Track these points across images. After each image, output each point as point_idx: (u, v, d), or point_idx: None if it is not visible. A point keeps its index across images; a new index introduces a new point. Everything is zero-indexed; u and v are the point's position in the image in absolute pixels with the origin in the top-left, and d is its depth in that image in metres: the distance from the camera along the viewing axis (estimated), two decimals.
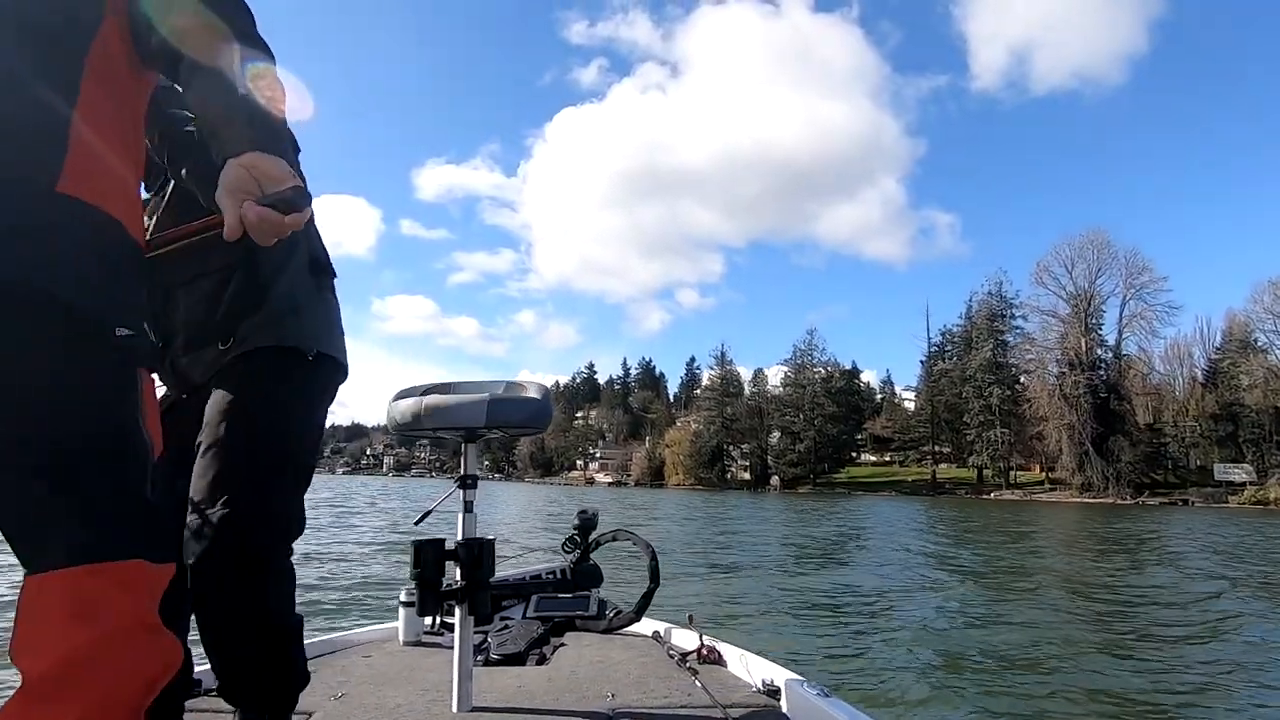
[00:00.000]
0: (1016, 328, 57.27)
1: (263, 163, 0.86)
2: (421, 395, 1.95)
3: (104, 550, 0.81)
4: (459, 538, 1.83)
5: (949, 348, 64.43)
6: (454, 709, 1.72)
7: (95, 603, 0.79)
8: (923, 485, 57.90)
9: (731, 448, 71.84)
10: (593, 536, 2.12)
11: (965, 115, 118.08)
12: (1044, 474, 53.10)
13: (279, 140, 0.92)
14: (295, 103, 0.97)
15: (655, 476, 75.14)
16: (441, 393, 1.99)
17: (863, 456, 71.31)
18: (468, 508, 1.88)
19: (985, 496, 50.23)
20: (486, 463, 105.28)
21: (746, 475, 69.22)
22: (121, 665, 0.79)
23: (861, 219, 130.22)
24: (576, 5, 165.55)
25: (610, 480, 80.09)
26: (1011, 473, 55.04)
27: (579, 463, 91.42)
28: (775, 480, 65.85)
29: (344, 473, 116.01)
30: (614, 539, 2.36)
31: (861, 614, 6.25)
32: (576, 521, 2.06)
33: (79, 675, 0.76)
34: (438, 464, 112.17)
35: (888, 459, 68.66)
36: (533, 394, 2.02)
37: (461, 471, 1.96)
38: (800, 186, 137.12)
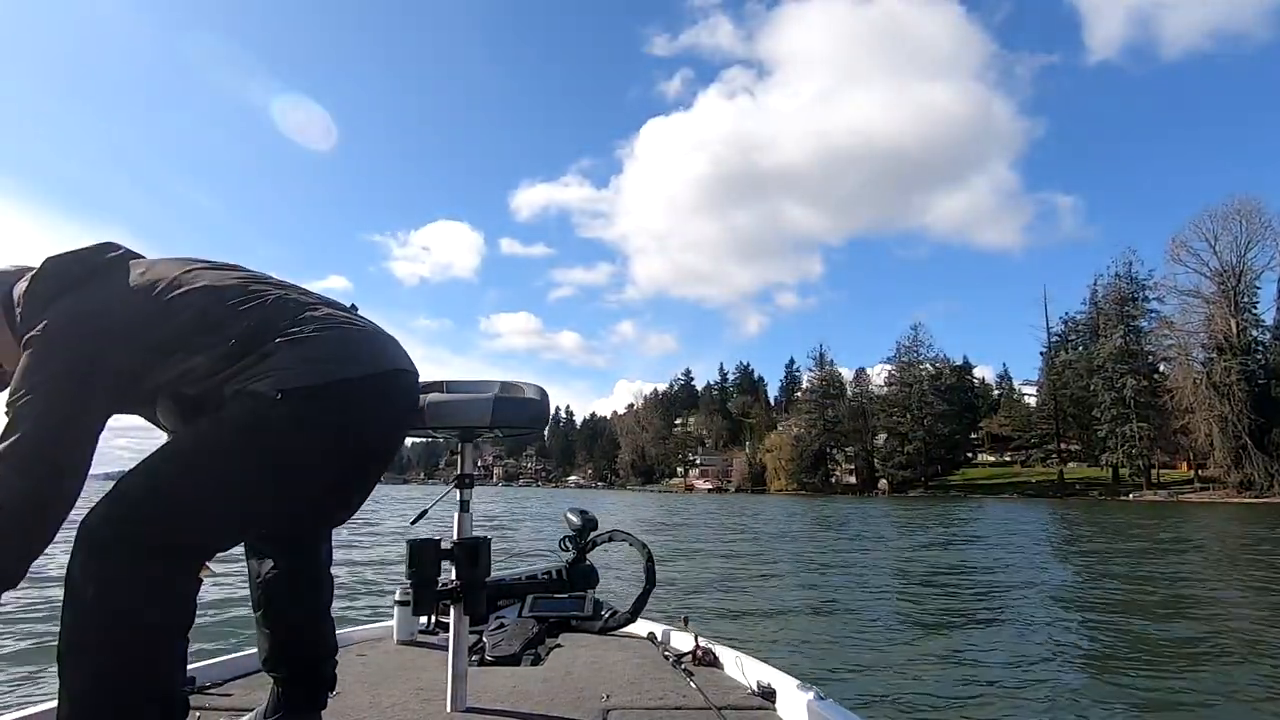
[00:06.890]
0: (1151, 311, 52.24)
1: None
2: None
3: None
4: (455, 537, 1.84)
5: (1073, 337, 59.61)
6: (448, 709, 1.72)
7: None
8: (1049, 486, 53.70)
9: (835, 451, 69.57)
10: (589, 537, 2.09)
11: (1085, 90, 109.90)
12: (1193, 471, 47.89)
13: None
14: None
15: (756, 482, 73.94)
16: (438, 391, 2.02)
17: (979, 457, 67.13)
18: (464, 507, 1.89)
19: (1122, 498, 45.87)
20: (590, 470, 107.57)
21: (852, 479, 66.78)
22: None
23: (971, 207, 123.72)
24: (656, 19, 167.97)
25: (710, 487, 79.56)
26: (1154, 471, 49.96)
27: (679, 470, 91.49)
28: (883, 484, 63.12)
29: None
30: (610, 539, 2.32)
31: (933, 632, 5.75)
32: (577, 522, 2.04)
33: None
34: (544, 473, 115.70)
35: (1007, 459, 64.25)
36: (532, 395, 2.01)
37: (459, 471, 1.98)
38: (902, 178, 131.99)
